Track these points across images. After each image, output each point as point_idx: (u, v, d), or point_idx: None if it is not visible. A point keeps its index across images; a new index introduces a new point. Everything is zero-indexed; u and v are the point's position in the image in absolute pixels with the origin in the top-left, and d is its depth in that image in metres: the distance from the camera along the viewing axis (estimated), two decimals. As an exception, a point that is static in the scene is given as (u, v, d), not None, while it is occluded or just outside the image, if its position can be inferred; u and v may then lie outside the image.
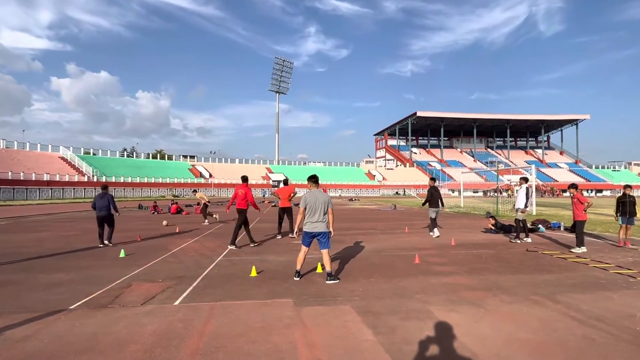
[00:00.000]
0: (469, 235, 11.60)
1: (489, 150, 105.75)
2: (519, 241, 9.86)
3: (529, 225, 12.65)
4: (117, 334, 3.64)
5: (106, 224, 9.23)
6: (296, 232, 6.11)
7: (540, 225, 12.50)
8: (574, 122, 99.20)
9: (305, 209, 5.82)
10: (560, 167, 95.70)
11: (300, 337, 3.58)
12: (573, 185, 8.91)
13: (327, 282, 5.63)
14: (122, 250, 7.95)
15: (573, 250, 8.46)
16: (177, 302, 4.68)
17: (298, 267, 5.90)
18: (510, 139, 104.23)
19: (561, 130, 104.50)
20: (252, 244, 9.12)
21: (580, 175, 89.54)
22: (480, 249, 8.90)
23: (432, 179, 11.57)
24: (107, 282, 5.58)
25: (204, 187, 64.97)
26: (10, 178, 42.09)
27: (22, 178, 43.45)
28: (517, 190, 10.56)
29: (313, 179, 6.00)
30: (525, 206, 9.99)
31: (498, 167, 24.05)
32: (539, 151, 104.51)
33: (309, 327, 3.85)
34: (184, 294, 5.01)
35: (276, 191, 11.37)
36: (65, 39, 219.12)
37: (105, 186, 9.63)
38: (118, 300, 4.75)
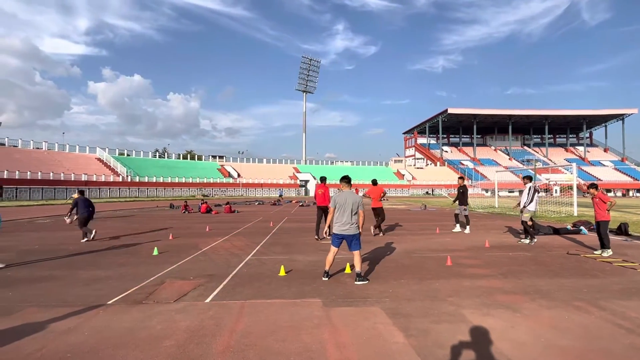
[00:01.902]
0: (504, 236, 11.15)
1: (525, 147, 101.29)
2: (535, 241, 9.55)
3: (569, 226, 12.05)
4: (151, 330, 3.78)
5: (87, 221, 10.21)
6: (326, 232, 6.04)
7: (582, 227, 11.81)
8: (619, 117, 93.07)
9: (335, 209, 5.79)
10: (604, 166, 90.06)
11: (329, 338, 3.57)
12: (593, 185, 8.35)
13: (355, 282, 5.59)
14: (156, 248, 8.26)
15: (596, 252, 8.00)
16: (208, 300, 4.79)
17: (327, 268, 5.87)
18: (549, 135, 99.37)
19: (605, 126, 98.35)
20: (319, 239, 10.23)
21: (626, 174, 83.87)
22: (517, 251, 8.53)
23: (462, 178, 12.04)
24: (142, 279, 5.80)
25: (233, 187, 66.41)
26: (51, 178, 44.92)
27: (62, 178, 46.31)
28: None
29: (345, 180, 5.96)
30: (525, 205, 9.51)
31: (536, 165, 22.96)
32: (581, 148, 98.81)
33: (338, 327, 3.83)
34: (215, 292, 5.13)
35: (367, 192, 11.91)
36: (101, 44, 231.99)
37: (82, 191, 10.93)
38: (152, 296, 4.93)
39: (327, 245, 9.20)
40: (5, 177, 39.17)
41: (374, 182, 12.19)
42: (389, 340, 3.53)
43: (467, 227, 11.86)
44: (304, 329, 3.79)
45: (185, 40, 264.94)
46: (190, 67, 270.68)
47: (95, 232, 10.22)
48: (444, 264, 6.98)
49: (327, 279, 5.78)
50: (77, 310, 4.36)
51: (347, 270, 6.35)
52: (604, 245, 7.94)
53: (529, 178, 9.84)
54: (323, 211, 10.31)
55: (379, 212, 11.47)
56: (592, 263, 7.19)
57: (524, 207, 9.56)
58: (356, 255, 5.72)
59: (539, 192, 9.65)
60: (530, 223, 11.55)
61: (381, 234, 11.33)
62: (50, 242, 10.02)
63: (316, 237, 10.31)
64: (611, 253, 7.83)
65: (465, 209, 11.76)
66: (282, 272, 6.15)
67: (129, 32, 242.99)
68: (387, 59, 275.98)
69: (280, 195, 50.71)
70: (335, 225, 5.74)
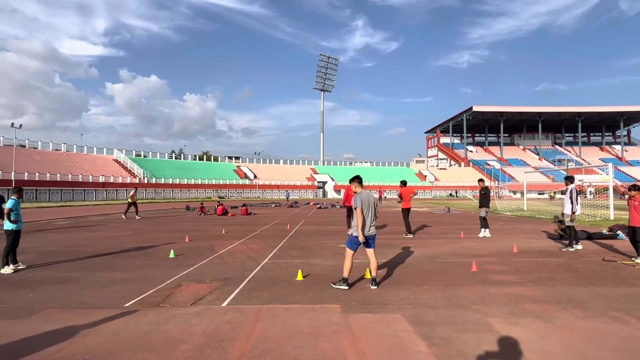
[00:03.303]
0: (534, 241, 10.68)
1: (556, 147, 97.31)
2: (571, 249, 8.88)
3: (605, 231, 11.39)
4: (168, 333, 3.80)
5: None
6: (361, 237, 5.42)
7: (619, 232, 11.15)
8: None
9: (361, 209, 5.36)
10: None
11: (348, 345, 3.48)
12: (635, 187, 7.68)
13: (372, 287, 5.49)
14: (172, 251, 8.36)
15: (636, 260, 7.45)
16: (224, 304, 4.79)
17: (346, 275, 5.42)
18: (582, 134, 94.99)
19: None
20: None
21: (669, 174, 78.94)
22: (547, 257, 8.13)
23: (482, 180, 12.14)
24: (158, 282, 5.87)
25: (249, 188, 66.67)
26: (70, 180, 46.46)
27: (80, 180, 47.70)
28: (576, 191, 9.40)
29: (358, 180, 5.68)
30: (572, 210, 8.93)
31: (568, 165, 21.95)
32: (617, 147, 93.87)
33: (357, 335, 3.73)
34: (231, 296, 5.13)
35: (400, 191, 12.22)
36: (119, 45, 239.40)
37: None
38: (169, 300, 4.97)
39: (345, 249, 9.08)
40: (25, 178, 40.78)
41: (404, 183, 12.43)
42: (410, 349, 3.40)
43: (486, 230, 11.64)
44: (322, 335, 3.72)
45: (201, 39, 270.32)
46: (207, 67, 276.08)
47: None
48: (469, 270, 6.72)
49: (347, 287, 5.39)
50: (95, 312, 4.45)
51: (367, 275, 6.21)
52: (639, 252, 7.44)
53: (570, 179, 9.30)
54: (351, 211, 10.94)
55: (408, 213, 11.83)
56: (631, 270, 6.74)
57: (573, 212, 8.99)
58: (373, 255, 5.58)
59: (579, 193, 9.08)
60: (562, 227, 11.04)
61: (411, 236, 11.70)
62: (69, 243, 10.30)
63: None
64: None
65: (487, 211, 11.65)
66: (299, 277, 6.09)
67: (146, 33, 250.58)
68: (409, 55, 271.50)
69: (287, 197, 50.60)
70: (364, 227, 5.40)
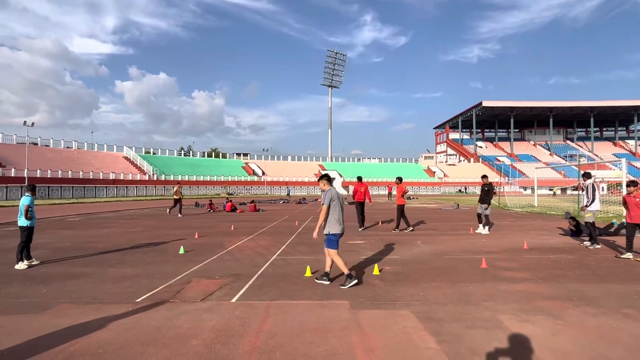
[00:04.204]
0: (545, 238, 10.55)
1: (568, 142, 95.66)
2: (597, 246, 8.71)
3: (616, 222, 11.23)
4: (179, 328, 3.85)
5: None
6: (317, 233, 5.51)
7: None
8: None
9: (329, 207, 5.40)
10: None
11: (357, 341, 3.49)
12: (634, 183, 7.58)
13: (317, 280, 5.59)
14: (182, 247, 8.45)
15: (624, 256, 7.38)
16: (234, 300, 4.83)
17: (346, 271, 5.39)
18: (595, 129, 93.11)
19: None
20: (361, 228, 12.28)
21: (684, 169, 77.10)
22: (558, 254, 8.03)
23: (485, 176, 12.04)
24: (169, 278, 5.94)
25: (257, 185, 67.04)
26: (81, 177, 47.10)
27: (91, 177, 48.35)
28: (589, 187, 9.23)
29: (327, 177, 5.81)
30: (587, 205, 8.77)
31: (580, 161, 21.48)
32: (631, 142, 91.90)
33: (366, 331, 3.74)
34: (241, 292, 5.17)
35: (397, 188, 12.47)
36: (128, 43, 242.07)
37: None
38: (179, 295, 5.03)
39: (354, 246, 9.13)
40: (38, 176, 41.37)
41: (400, 179, 12.50)
42: (419, 345, 3.40)
43: (486, 227, 11.56)
44: (331, 331, 3.73)
45: (209, 36, 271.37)
46: (215, 64, 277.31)
47: None
48: (478, 267, 6.67)
49: (356, 281, 5.36)
50: (107, 307, 4.53)
51: (376, 271, 6.21)
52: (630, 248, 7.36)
53: (587, 175, 9.17)
54: (359, 204, 12.47)
55: (402, 210, 11.99)
56: (645, 267, 6.62)
57: (586, 206, 8.86)
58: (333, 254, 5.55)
59: (599, 190, 8.93)
60: (574, 223, 10.88)
61: (400, 230, 11.94)
62: (81, 239, 10.46)
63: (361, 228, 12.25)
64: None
65: (486, 208, 11.53)
66: (308, 273, 6.11)
67: (155, 30, 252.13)
68: (418, 50, 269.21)
69: (288, 194, 50.43)
70: (337, 224, 5.42)
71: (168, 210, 19.67)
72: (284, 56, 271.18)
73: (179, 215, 18.12)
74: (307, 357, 3.17)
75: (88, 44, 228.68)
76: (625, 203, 7.66)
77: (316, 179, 72.50)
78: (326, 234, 5.48)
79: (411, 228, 12.15)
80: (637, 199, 7.40)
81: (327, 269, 5.66)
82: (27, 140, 45.05)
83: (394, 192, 20.16)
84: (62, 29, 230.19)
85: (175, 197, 19.19)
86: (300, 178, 71.29)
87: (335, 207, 5.47)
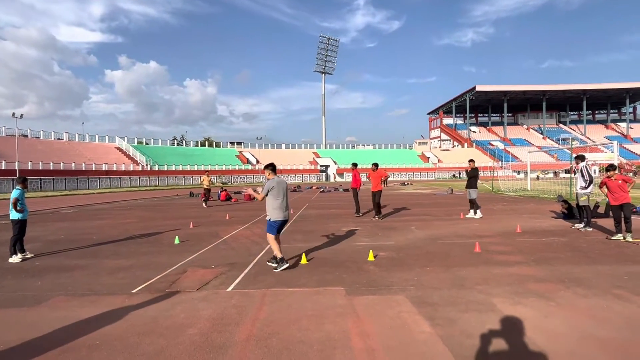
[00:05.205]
0: (537, 221, 10.67)
1: (560, 125, 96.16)
2: (589, 229, 8.83)
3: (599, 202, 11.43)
4: (175, 318, 3.86)
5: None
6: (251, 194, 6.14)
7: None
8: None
9: (267, 195, 5.71)
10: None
11: (353, 327, 3.52)
12: (613, 167, 7.73)
13: (269, 263, 5.82)
14: (177, 237, 8.42)
15: (616, 238, 7.53)
16: (230, 289, 4.85)
17: (279, 254, 5.69)
18: (587, 112, 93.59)
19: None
20: (357, 214, 12.43)
21: (674, 151, 78.09)
22: (550, 237, 8.14)
23: (472, 160, 12.24)
24: (164, 268, 5.93)
25: (252, 174, 66.74)
26: (73, 169, 46.53)
27: (83, 168, 47.79)
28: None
29: (271, 167, 5.93)
30: (586, 187, 8.85)
31: (572, 144, 21.63)
32: (623, 125, 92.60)
33: (361, 316, 3.78)
34: (237, 281, 5.18)
35: (368, 176, 12.66)
36: (117, 31, 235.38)
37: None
38: (175, 285, 5.03)
39: (349, 233, 9.17)
40: (29, 168, 40.77)
41: (376, 165, 12.28)
42: (414, 329, 3.44)
43: (475, 211, 11.72)
44: (326, 317, 3.76)
45: (200, 23, 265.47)
46: (206, 52, 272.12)
47: None
48: (472, 251, 6.75)
49: (287, 265, 5.66)
50: (103, 299, 4.53)
51: (370, 257, 6.26)
52: (629, 229, 7.49)
53: (581, 158, 9.19)
54: (356, 193, 12.65)
55: (376, 195, 11.71)
56: (635, 248, 6.75)
57: (584, 188, 8.89)
58: (277, 240, 5.82)
59: (590, 172, 8.97)
60: (566, 206, 11.01)
61: (378, 218, 11.63)
62: (75, 232, 10.36)
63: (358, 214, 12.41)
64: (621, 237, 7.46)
65: (477, 192, 11.76)
66: (303, 260, 6.14)
67: (144, 17, 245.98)
68: (411, 35, 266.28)
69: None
70: (277, 211, 5.71)
71: (204, 204, 17.90)
72: (276, 43, 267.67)
73: (204, 206, 17.33)
74: (303, 343, 3.20)
75: (76, 33, 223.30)
76: (606, 186, 7.75)
77: (310, 167, 72.83)
78: (267, 220, 5.83)
79: (360, 214, 12.39)
80: (619, 181, 7.55)
81: (279, 254, 5.83)
82: (17, 132, 44.22)
83: (389, 178, 19.96)
84: (48, 17, 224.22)
85: (205, 186, 18.20)
86: (295, 166, 71.10)
87: (278, 196, 5.72)
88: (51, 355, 3.08)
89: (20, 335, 3.49)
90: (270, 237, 5.77)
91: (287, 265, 5.69)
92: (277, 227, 5.79)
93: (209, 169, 63.07)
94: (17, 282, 5.39)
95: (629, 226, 7.48)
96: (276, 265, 5.68)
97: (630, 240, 7.34)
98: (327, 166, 74.99)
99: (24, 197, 7.06)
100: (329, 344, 3.18)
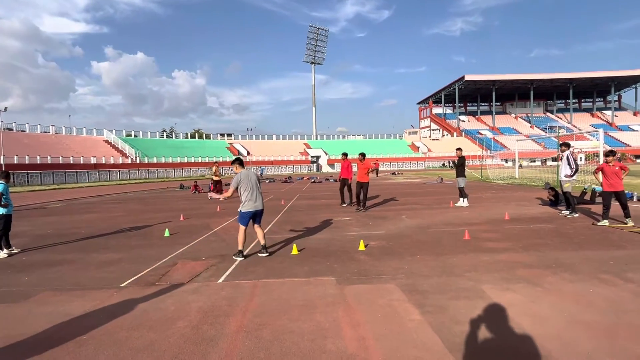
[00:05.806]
0: (525, 208, 10.84)
1: (548, 114, 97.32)
2: (575, 215, 8.99)
3: (586, 187, 11.67)
4: (165, 311, 3.82)
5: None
6: (215, 198, 6.72)
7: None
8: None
9: (237, 189, 5.83)
10: (634, 130, 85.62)
11: (343, 316, 3.53)
12: (612, 153, 7.86)
13: (260, 254, 5.92)
14: (167, 230, 8.33)
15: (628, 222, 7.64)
16: (220, 280, 4.82)
17: (241, 247, 5.82)
18: (574, 100, 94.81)
19: (636, 88, 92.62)
20: (343, 204, 12.58)
21: (658, 138, 79.77)
22: (538, 224, 8.27)
23: (460, 149, 12.28)
24: (154, 261, 5.86)
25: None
26: (61, 162, 45.45)
27: (71, 162, 46.66)
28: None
29: (238, 161, 6.08)
30: (571, 175, 9.00)
31: (559, 132, 22.00)
32: (608, 113, 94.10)
33: (352, 305, 3.79)
34: (227, 272, 5.15)
35: (360, 165, 11.94)
36: (102, 21, 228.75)
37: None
38: (165, 278, 4.98)
39: (340, 222, 9.19)
40: (15, 162, 39.77)
41: (363, 156, 11.85)
42: (404, 317, 3.47)
43: (464, 200, 11.88)
44: (317, 307, 3.77)
45: (187, 12, 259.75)
46: (194, 42, 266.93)
47: None
48: (461, 239, 6.82)
49: (242, 258, 5.75)
50: (91, 293, 4.45)
51: (361, 247, 6.28)
52: (627, 214, 7.65)
53: (566, 145, 9.28)
54: (344, 183, 12.61)
55: (363, 187, 11.35)
56: (620, 234, 6.90)
57: (570, 175, 8.99)
58: (261, 230, 6.06)
59: (576, 160, 9.08)
60: (553, 193, 11.19)
61: (362, 210, 11.23)
62: (63, 226, 10.18)
63: (344, 204, 12.55)
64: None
65: (465, 181, 11.84)
66: (294, 251, 6.13)
67: (129, 7, 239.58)
68: (401, 24, 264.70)
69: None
70: (248, 203, 5.83)
71: (221, 198, 17.64)
72: (265, 33, 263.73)
73: (209, 197, 16.55)
74: (294, 333, 3.20)
75: (60, 23, 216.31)
76: (602, 172, 7.88)
77: (302, 157, 72.54)
78: (239, 211, 5.95)
79: (345, 204, 12.50)
80: (616, 167, 7.66)
81: (262, 241, 6.00)
82: (1, 126, 42.98)
83: (380, 168, 19.84)
84: (31, 7, 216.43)
85: (215, 177, 18.12)
86: (286, 157, 70.79)
87: (247, 188, 5.84)
88: (38, 351, 3.02)
89: (7, 331, 3.42)
90: (241, 229, 5.87)
91: (242, 258, 5.76)
92: (248, 218, 5.88)
93: (200, 161, 62.57)
94: (3, 277, 5.27)
95: (627, 212, 7.66)
96: (236, 254, 5.82)
97: (631, 225, 7.48)
98: (318, 157, 74.81)
99: (8, 191, 6.89)
100: (320, 333, 3.18)
